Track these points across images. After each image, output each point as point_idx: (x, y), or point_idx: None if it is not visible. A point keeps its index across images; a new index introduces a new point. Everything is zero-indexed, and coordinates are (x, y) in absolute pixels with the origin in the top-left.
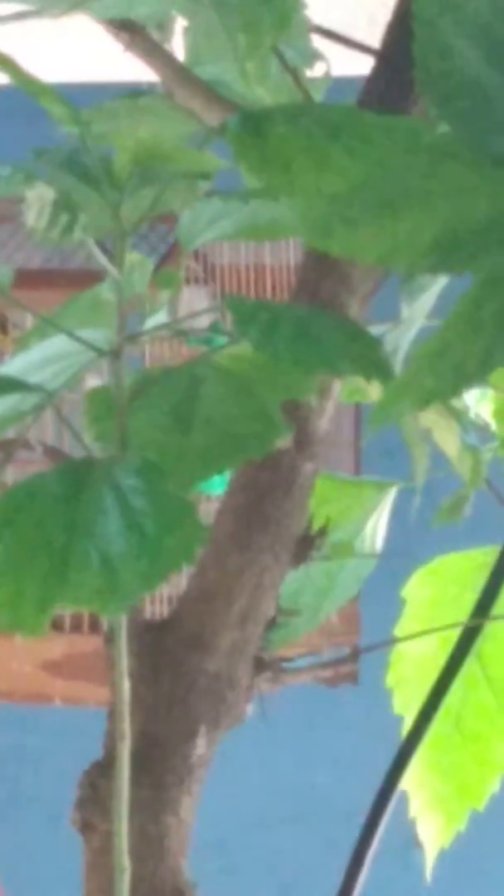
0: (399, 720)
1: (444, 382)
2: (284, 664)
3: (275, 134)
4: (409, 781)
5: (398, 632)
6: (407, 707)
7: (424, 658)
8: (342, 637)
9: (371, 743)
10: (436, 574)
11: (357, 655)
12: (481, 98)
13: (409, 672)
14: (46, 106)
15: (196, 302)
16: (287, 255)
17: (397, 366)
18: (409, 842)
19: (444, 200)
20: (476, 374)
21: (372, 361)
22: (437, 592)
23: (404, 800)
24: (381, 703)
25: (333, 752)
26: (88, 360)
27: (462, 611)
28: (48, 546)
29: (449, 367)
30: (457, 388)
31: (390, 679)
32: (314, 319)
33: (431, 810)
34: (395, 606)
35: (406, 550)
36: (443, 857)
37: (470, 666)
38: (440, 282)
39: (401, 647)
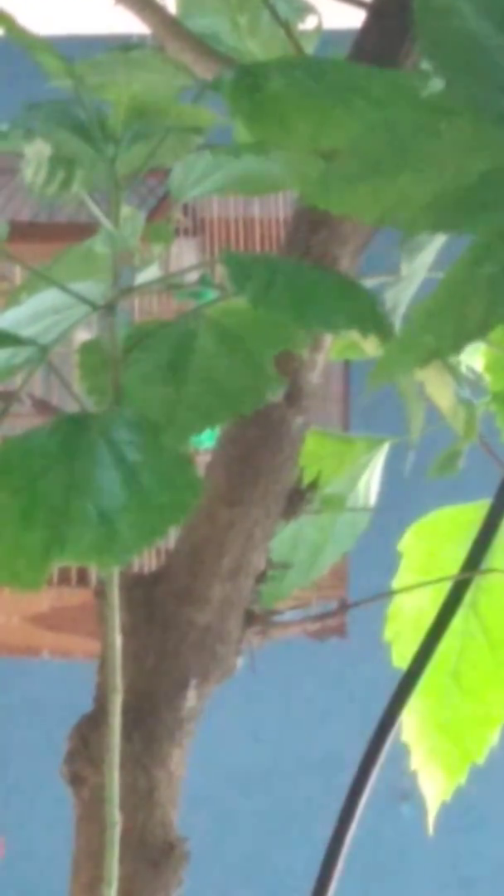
0: (387, 672)
1: (445, 340)
2: (274, 617)
3: (270, 88)
4: (409, 735)
5: (395, 585)
6: (405, 660)
7: (421, 611)
8: (330, 591)
9: (359, 695)
10: (432, 528)
11: (345, 609)
12: (480, 56)
13: (406, 625)
14: (40, 59)
15: (185, 254)
16: (276, 208)
17: (397, 323)
18: (401, 795)
19: (443, 158)
20: (476, 332)
21: (369, 317)
22: (434, 546)
23: (394, 753)
24: (368, 656)
25: (322, 704)
26: (82, 313)
27: (458, 564)
28: (45, 501)
29: (449, 324)
30: (457, 345)
31: (388, 632)
32: (310, 274)
33: (432, 764)
34: (382, 560)
35: (393, 505)
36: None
37: (466, 619)
38: (439, 238)
39: (398, 601)
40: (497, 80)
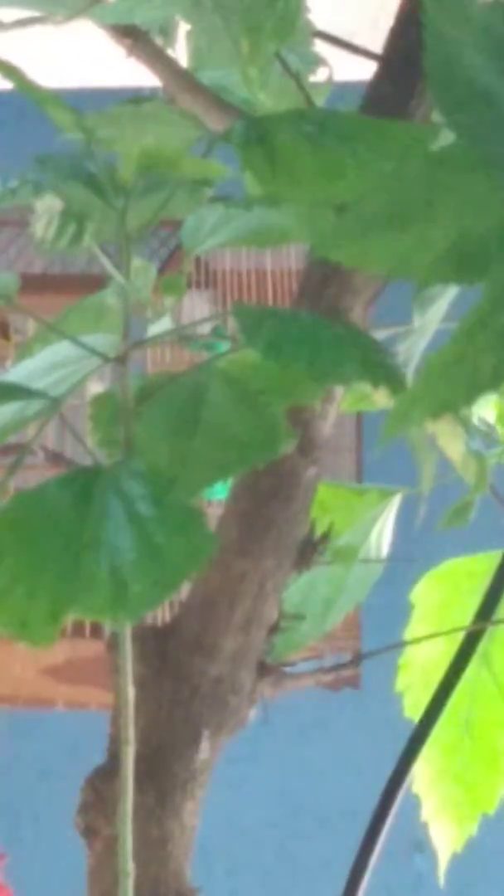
0: (400, 723)
1: (457, 393)
2: (287, 669)
3: (281, 141)
4: (421, 786)
5: (407, 636)
6: (417, 710)
7: (434, 662)
8: (343, 641)
9: (373, 746)
10: (444, 578)
11: (359, 660)
12: (491, 108)
13: (418, 676)
14: (51, 112)
15: (197, 307)
16: (288, 259)
17: (410, 375)
18: (414, 845)
19: (454, 211)
20: (488, 385)
21: (380, 368)
22: (446, 596)
23: (408, 803)
24: (382, 707)
25: (335, 755)
26: (94, 366)
27: (471, 615)
28: (57, 556)
29: (461, 377)
30: (470, 398)
31: (400, 683)
32: (321, 326)
33: (443, 815)
34: (395, 611)
35: (406, 555)
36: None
37: (479, 672)
38: (452, 290)
39: (410, 652)
40: None
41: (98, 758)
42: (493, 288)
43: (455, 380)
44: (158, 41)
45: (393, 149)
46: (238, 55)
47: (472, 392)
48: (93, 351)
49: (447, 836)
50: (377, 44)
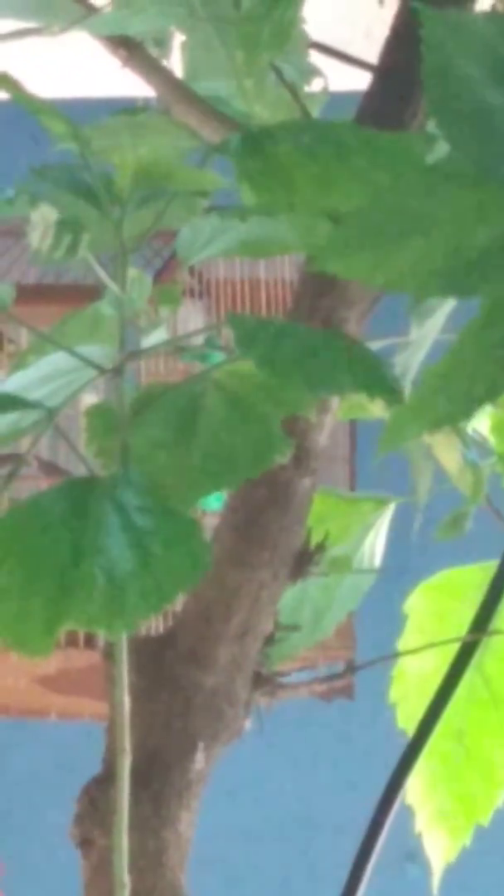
0: (393, 733)
1: (455, 405)
2: (281, 679)
3: (277, 152)
4: (414, 796)
5: (400, 646)
6: (410, 721)
7: (427, 673)
8: (337, 652)
9: (367, 756)
10: (438, 589)
11: (352, 670)
12: (488, 120)
13: (411, 687)
14: (46, 123)
15: (191, 317)
16: (282, 270)
17: (407, 387)
18: (407, 855)
19: (451, 223)
20: (486, 397)
21: (376, 380)
22: (440, 607)
23: (401, 813)
24: (376, 718)
25: (330, 766)
26: (89, 377)
27: (465, 626)
28: (54, 566)
29: (459, 389)
30: (468, 410)
31: (393, 694)
32: (317, 337)
33: (436, 825)
34: (389, 621)
35: (399, 565)
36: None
37: (473, 681)
38: (450, 301)
39: (403, 663)
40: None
41: (92, 768)
42: (490, 300)
43: (453, 393)
44: (153, 52)
45: (389, 160)
46: (233, 66)
47: (471, 405)
48: (88, 362)
49: (441, 847)
50: (372, 54)
